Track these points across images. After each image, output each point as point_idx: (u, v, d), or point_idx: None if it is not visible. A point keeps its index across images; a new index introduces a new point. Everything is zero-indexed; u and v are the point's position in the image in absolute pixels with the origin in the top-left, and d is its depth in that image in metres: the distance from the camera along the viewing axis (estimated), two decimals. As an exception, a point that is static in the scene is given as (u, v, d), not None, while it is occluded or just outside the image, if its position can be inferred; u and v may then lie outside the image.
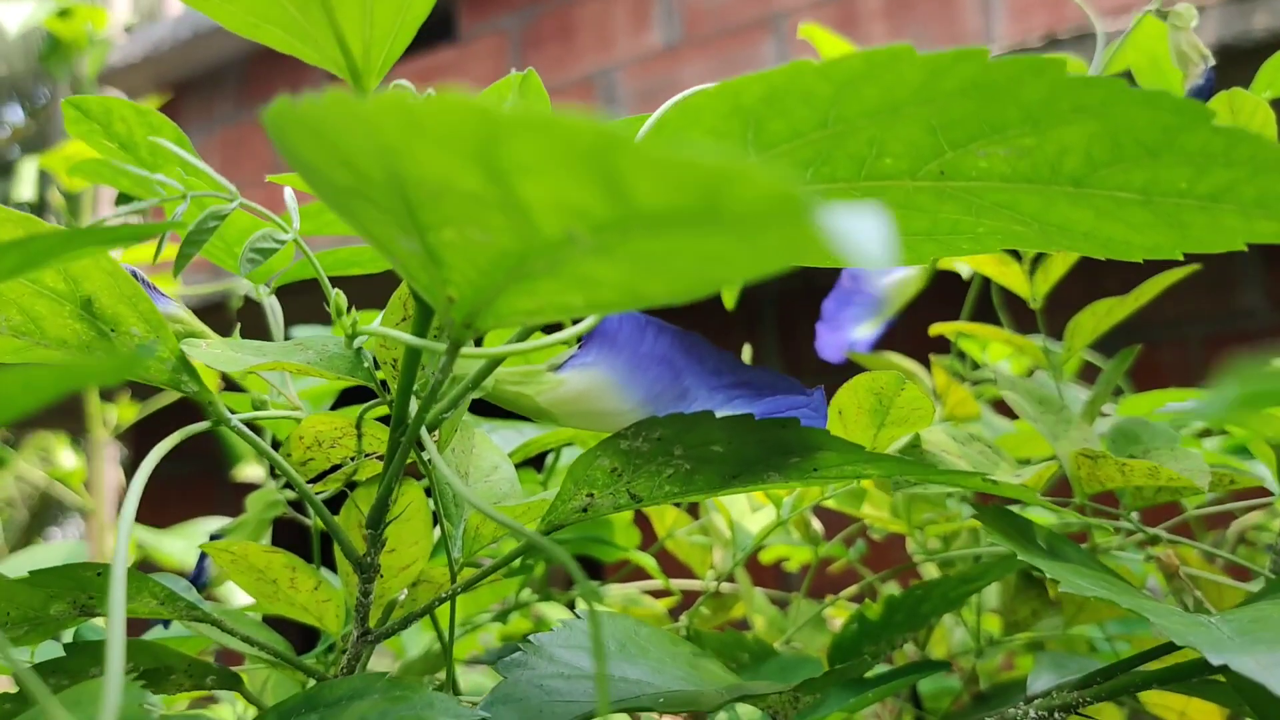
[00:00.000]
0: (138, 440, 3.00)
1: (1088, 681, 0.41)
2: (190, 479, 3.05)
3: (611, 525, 0.73)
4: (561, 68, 2.90)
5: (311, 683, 0.50)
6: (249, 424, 0.53)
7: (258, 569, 0.46)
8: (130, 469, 3.16)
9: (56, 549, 0.78)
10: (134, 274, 0.37)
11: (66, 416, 2.09)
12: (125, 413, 1.51)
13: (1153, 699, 0.68)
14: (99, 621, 0.48)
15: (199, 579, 0.55)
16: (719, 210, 0.17)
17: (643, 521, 0.79)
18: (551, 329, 0.40)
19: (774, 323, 2.35)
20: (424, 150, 0.19)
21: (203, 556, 0.53)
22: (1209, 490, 0.50)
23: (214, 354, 0.36)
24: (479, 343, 0.56)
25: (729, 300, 0.84)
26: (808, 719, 0.49)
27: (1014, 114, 0.30)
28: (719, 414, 0.34)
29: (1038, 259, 0.60)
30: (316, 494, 0.47)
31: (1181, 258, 0.34)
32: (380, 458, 0.45)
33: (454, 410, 0.35)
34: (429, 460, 0.39)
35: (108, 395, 1.54)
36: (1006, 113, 0.30)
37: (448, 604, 0.81)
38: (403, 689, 0.36)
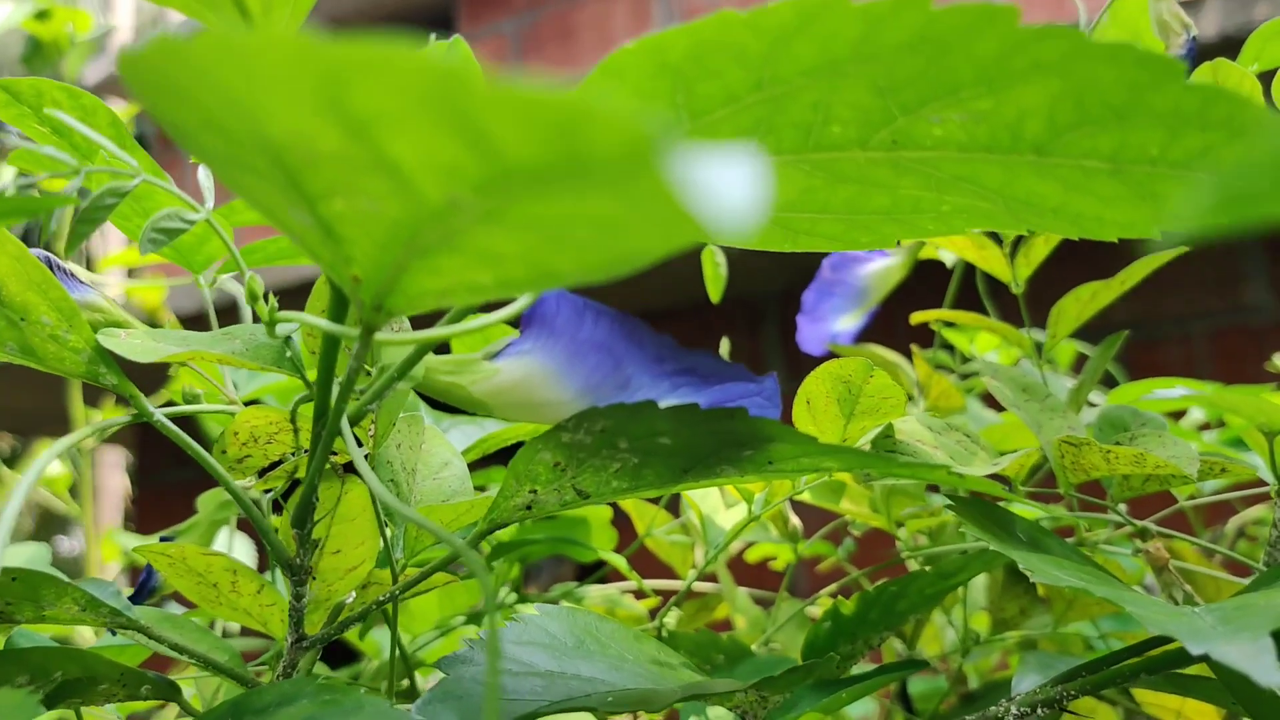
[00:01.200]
0: (141, 448, 2.99)
1: (1072, 675, 0.39)
2: (193, 484, 3.04)
3: (588, 525, 0.71)
4: (562, 70, 2.88)
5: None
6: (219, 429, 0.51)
7: (197, 572, 0.44)
8: (135, 476, 3.14)
9: (19, 551, 0.76)
10: (46, 260, 0.35)
11: (59, 424, 2.08)
12: (110, 417, 1.49)
13: (1148, 699, 0.66)
14: (29, 629, 0.46)
15: (147, 583, 0.53)
16: (581, 160, 0.15)
17: (625, 521, 0.76)
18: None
19: (776, 321, 2.33)
20: (268, 101, 0.17)
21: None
22: (1198, 479, 0.48)
23: (132, 344, 0.34)
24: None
25: (714, 293, 0.82)
26: (778, 719, 0.47)
27: (966, 72, 0.28)
28: (663, 404, 0.32)
29: (1018, 242, 0.57)
30: (264, 493, 0.45)
31: (1159, 236, 0.32)
32: (321, 454, 0.43)
33: (381, 402, 0.33)
34: (364, 455, 0.37)
35: (92, 400, 1.52)
36: (958, 71, 0.28)
37: (424, 606, 0.79)
38: (333, 693, 0.34)
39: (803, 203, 0.34)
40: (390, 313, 0.28)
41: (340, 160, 0.20)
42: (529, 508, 0.37)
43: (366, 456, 0.42)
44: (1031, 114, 0.28)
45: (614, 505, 0.75)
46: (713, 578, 0.81)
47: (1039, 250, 0.56)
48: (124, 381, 0.36)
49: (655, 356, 0.33)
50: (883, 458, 0.33)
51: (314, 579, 0.39)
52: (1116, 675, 0.37)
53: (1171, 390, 0.52)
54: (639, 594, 0.80)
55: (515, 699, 0.35)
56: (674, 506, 0.74)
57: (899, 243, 0.77)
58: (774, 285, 2.14)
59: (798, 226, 0.35)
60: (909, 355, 0.77)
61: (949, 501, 0.50)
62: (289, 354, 0.35)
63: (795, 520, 0.64)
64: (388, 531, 0.41)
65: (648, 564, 0.83)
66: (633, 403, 0.33)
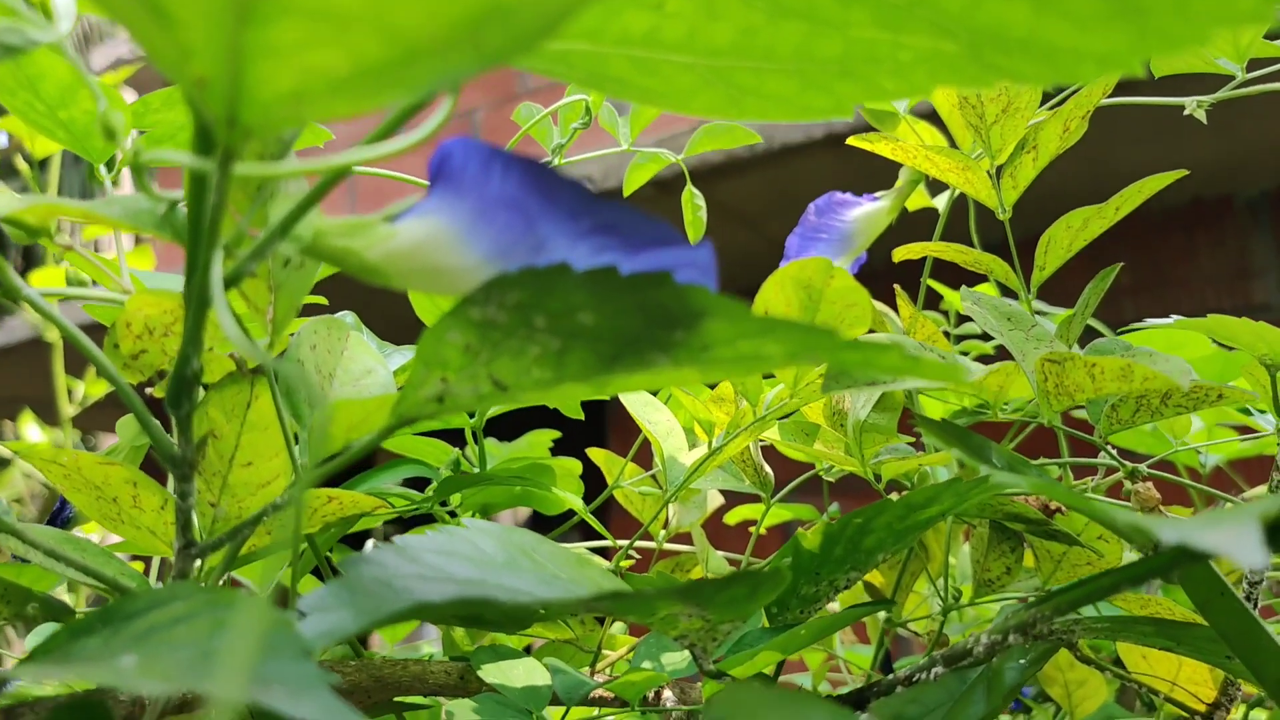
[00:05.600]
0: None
1: (1045, 599, 0.35)
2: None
3: (552, 471, 0.67)
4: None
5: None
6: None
7: (95, 485, 0.40)
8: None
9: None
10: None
11: (46, 409, 2.05)
12: (93, 388, 1.46)
13: (1141, 666, 0.62)
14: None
15: (61, 513, 0.49)
16: None
17: (594, 481, 0.73)
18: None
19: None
20: None
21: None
22: (1193, 406, 0.44)
23: (-7, 204, 0.31)
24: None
25: (693, 237, 0.78)
26: (733, 656, 0.43)
27: None
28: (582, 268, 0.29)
29: (1002, 167, 0.53)
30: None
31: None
32: (228, 354, 0.39)
33: (260, 263, 0.29)
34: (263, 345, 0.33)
35: (75, 371, 1.49)
36: None
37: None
38: (207, 594, 0.30)
39: (744, 47, 0.30)
40: (247, 129, 0.24)
41: None
42: (441, 399, 0.33)
43: (279, 357, 0.38)
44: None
45: (584, 459, 0.72)
46: (688, 539, 0.77)
47: (1025, 172, 0.53)
48: (-11, 249, 0.32)
49: (569, 211, 0.29)
50: (827, 336, 0.29)
51: (201, 476, 0.35)
52: (1094, 590, 0.33)
53: (1164, 320, 0.48)
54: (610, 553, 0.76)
55: (421, 600, 0.31)
56: (643, 459, 0.70)
57: (895, 183, 0.73)
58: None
59: (742, 83, 0.32)
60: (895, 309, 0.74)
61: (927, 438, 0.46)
62: (162, 213, 0.31)
63: (766, 468, 0.60)
64: (285, 433, 0.38)
65: (623, 527, 0.80)
66: (545, 267, 0.29)
